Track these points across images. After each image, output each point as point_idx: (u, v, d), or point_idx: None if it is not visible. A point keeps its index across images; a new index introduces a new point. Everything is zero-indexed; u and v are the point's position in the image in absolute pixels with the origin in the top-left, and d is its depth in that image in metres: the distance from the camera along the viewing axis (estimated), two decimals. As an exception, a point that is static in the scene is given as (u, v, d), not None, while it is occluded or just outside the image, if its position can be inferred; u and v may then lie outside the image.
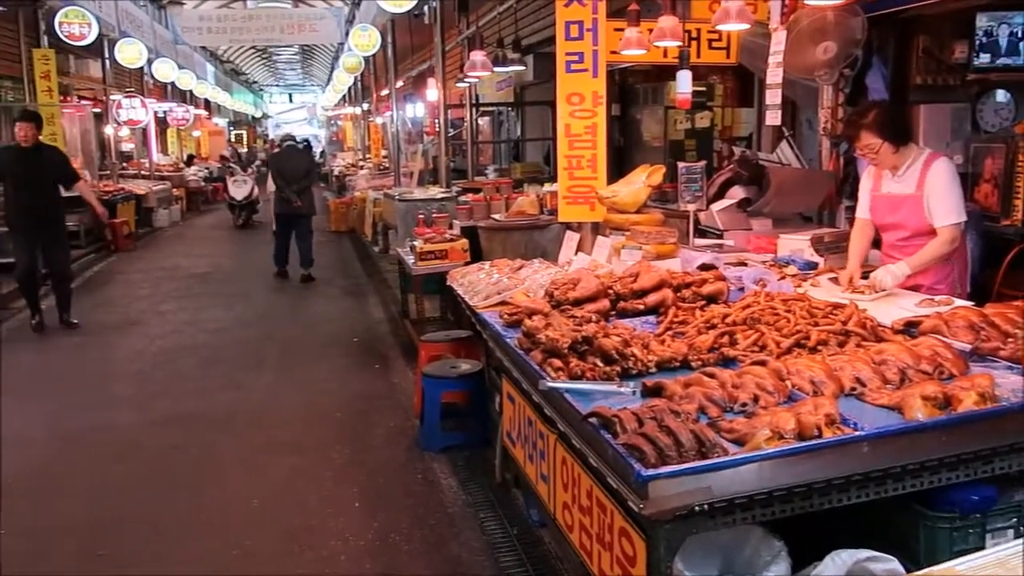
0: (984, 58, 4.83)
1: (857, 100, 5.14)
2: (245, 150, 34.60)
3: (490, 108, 16.53)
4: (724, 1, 4.37)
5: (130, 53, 17.49)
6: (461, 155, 15.21)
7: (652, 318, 3.47)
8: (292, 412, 5.79)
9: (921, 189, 3.83)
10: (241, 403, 6.01)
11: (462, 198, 8.68)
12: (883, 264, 3.91)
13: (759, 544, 2.28)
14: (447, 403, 4.91)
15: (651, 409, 2.32)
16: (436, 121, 12.21)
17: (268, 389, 6.35)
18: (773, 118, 5.17)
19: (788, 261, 4.34)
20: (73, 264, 12.01)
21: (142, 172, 19.86)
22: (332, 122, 42.01)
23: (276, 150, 12.89)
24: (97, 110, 18.28)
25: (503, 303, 3.91)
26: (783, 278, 3.90)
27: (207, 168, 24.80)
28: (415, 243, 6.63)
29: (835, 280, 3.95)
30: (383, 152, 21.57)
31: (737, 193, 5.38)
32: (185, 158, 25.63)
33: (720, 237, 5.13)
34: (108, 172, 17.60)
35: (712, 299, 3.53)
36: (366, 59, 19.91)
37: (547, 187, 8.33)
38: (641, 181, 4.99)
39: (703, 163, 5.19)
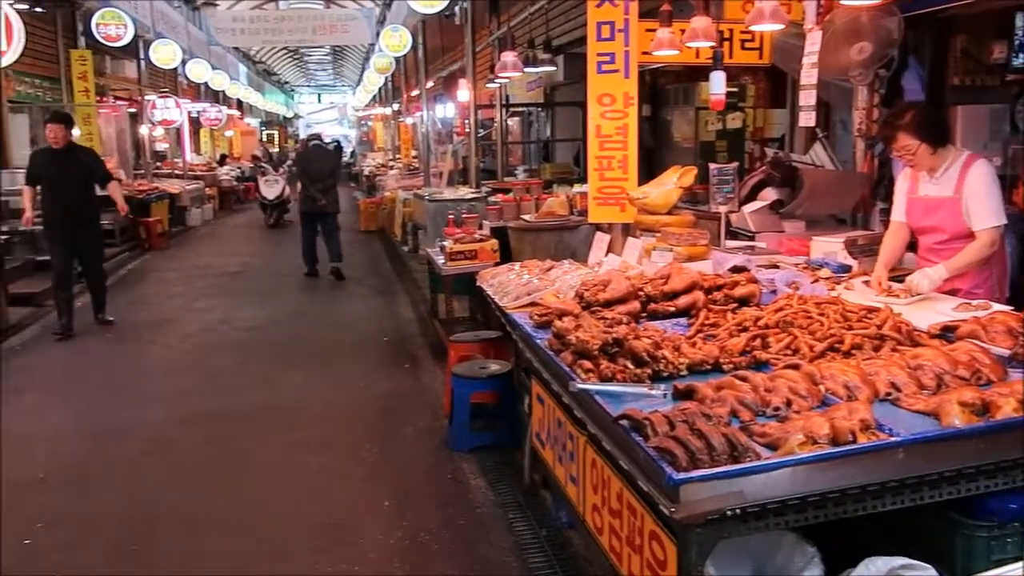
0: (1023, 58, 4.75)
1: (893, 101, 5.08)
2: (276, 150, 34.84)
3: (520, 108, 16.52)
4: (758, 1, 4.33)
5: (165, 54, 17.74)
6: (491, 155, 15.23)
7: (683, 320, 3.45)
8: (322, 410, 5.84)
9: (959, 191, 3.77)
10: (273, 401, 6.06)
11: (492, 198, 8.69)
12: (919, 267, 3.86)
13: (792, 550, 2.27)
14: (476, 403, 4.92)
15: (682, 412, 2.31)
16: (466, 121, 12.25)
17: (299, 387, 6.40)
18: (807, 119, 5.12)
19: (821, 264, 4.29)
20: (108, 262, 12.22)
21: (176, 172, 20.13)
22: (362, 122, 42.26)
23: (302, 149, 13.03)
24: (132, 110, 18.53)
25: (533, 304, 3.90)
26: (816, 281, 3.85)
27: (239, 168, 25.06)
28: (445, 243, 6.65)
29: (869, 283, 3.90)
30: (413, 152, 21.68)
31: (770, 195, 5.34)
32: (218, 158, 25.94)
33: (752, 239, 5.09)
34: (143, 171, 17.85)
35: (744, 301, 3.50)
36: (397, 60, 20.03)
37: (577, 188, 8.31)
38: (672, 182, 4.96)
39: (735, 164, 5.15)
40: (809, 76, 5.02)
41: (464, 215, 7.80)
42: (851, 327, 3.00)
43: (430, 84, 16.37)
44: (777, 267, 4.15)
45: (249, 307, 9.37)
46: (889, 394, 2.49)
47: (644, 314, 3.52)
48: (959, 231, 3.80)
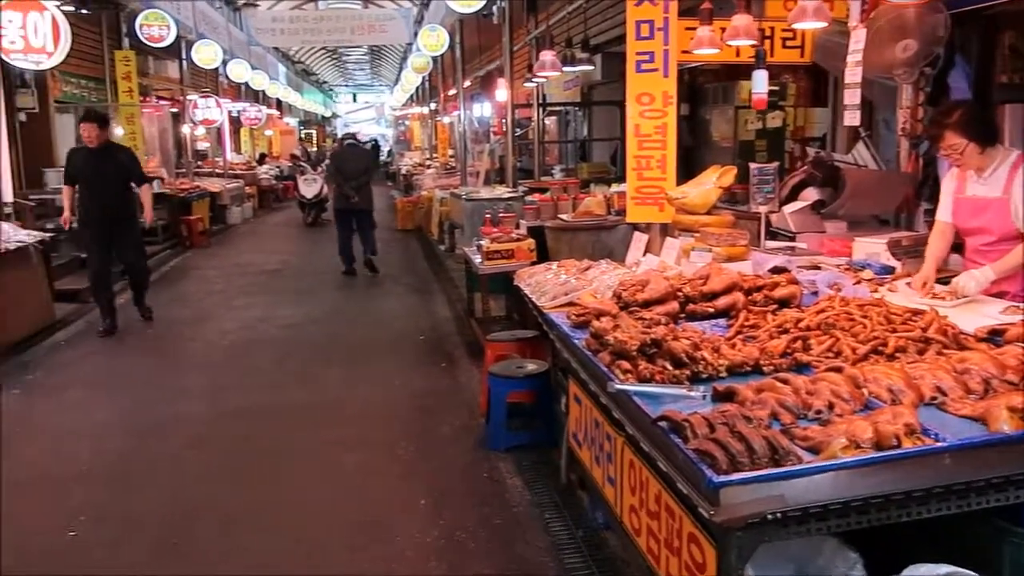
0: (1075, 55, 4.64)
1: (939, 100, 4.99)
2: (315, 149, 35.19)
3: (557, 108, 16.50)
4: (800, -1, 4.28)
5: (206, 54, 17.99)
6: (527, 155, 15.22)
7: (722, 321, 3.42)
8: (360, 408, 5.88)
9: (1008, 192, 3.69)
10: (310, 398, 6.12)
11: (529, 198, 8.69)
12: (966, 269, 3.78)
13: (833, 555, 2.23)
14: (513, 403, 4.92)
15: (723, 414, 2.29)
16: (503, 121, 12.25)
17: (336, 385, 6.45)
18: (852, 118, 5.05)
19: (864, 265, 4.22)
20: (150, 259, 12.44)
21: (216, 170, 20.40)
22: (400, 122, 42.50)
23: (337, 149, 13.18)
24: (175, 110, 18.83)
25: (570, 304, 3.89)
26: (858, 282, 3.80)
27: (278, 167, 25.33)
28: (482, 242, 6.65)
29: (912, 284, 3.83)
30: (450, 152, 21.74)
31: (811, 195, 5.27)
32: (257, 157, 26.26)
33: (792, 240, 5.03)
34: (184, 170, 18.12)
35: (784, 303, 3.46)
36: (434, 59, 20.11)
37: (614, 187, 8.28)
38: (712, 182, 4.92)
39: (776, 164, 5.09)
40: (854, 74, 4.94)
41: (501, 214, 7.81)
42: (895, 330, 2.95)
43: (467, 83, 16.40)
44: (818, 268, 4.10)
45: (288, 305, 9.47)
46: (935, 398, 2.44)
47: (683, 315, 3.49)
48: (1007, 232, 3.72)
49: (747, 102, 8.71)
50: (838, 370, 2.62)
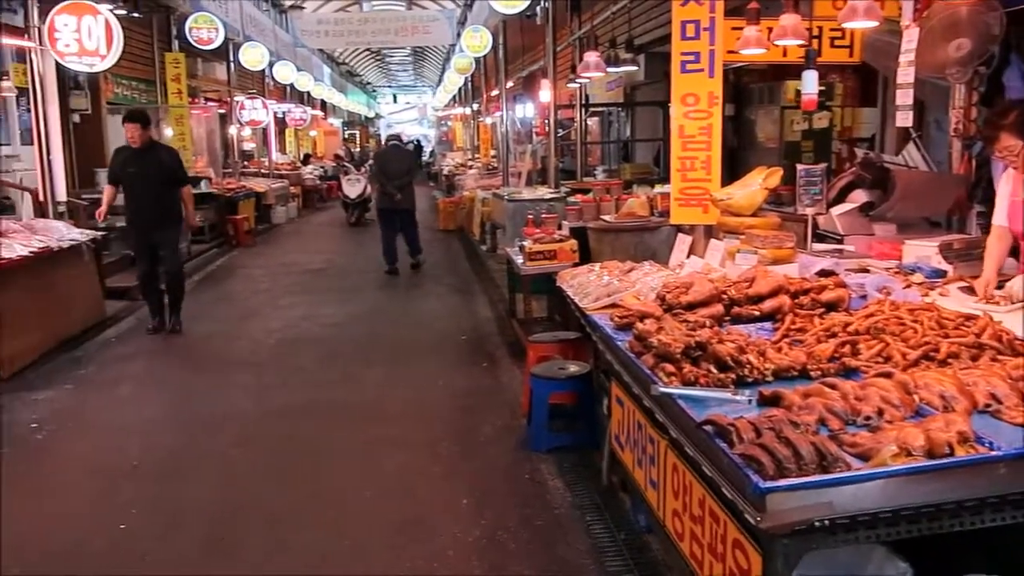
0: None
1: (993, 100, 4.87)
2: (358, 149, 35.51)
3: (599, 108, 16.45)
4: (850, -2, 4.22)
5: (253, 56, 18.26)
6: (570, 155, 15.20)
7: (768, 325, 3.38)
8: (402, 407, 5.91)
9: (1065, 195, 3.60)
10: (354, 397, 6.17)
11: (571, 199, 8.67)
12: (1021, 273, 3.69)
13: (882, 564, 2.20)
14: (555, 404, 4.91)
15: (769, 419, 2.26)
16: (545, 121, 12.25)
17: (379, 384, 6.50)
18: (904, 119, 4.96)
19: (914, 268, 4.14)
20: (197, 258, 12.66)
21: (262, 170, 20.71)
22: (442, 122, 42.72)
23: (381, 149, 13.34)
24: (222, 111, 19.14)
25: (613, 305, 3.88)
26: (909, 286, 3.73)
27: (322, 167, 25.61)
28: (524, 243, 6.66)
29: (965, 289, 3.75)
30: (492, 152, 21.80)
31: (860, 196, 5.19)
32: (302, 157, 26.56)
33: (840, 242, 4.95)
34: (231, 170, 18.41)
35: (832, 306, 3.41)
36: (477, 60, 20.19)
37: (657, 188, 8.22)
38: (757, 184, 4.87)
39: (823, 165, 5.02)
40: (906, 74, 4.85)
41: (543, 215, 7.80)
42: (947, 335, 2.89)
43: (510, 84, 16.44)
44: (867, 271, 4.03)
45: (331, 304, 9.56)
46: (989, 405, 2.39)
47: (727, 318, 3.46)
48: (1064, 236, 3.63)
49: (793, 102, 8.62)
50: (888, 375, 2.58)
